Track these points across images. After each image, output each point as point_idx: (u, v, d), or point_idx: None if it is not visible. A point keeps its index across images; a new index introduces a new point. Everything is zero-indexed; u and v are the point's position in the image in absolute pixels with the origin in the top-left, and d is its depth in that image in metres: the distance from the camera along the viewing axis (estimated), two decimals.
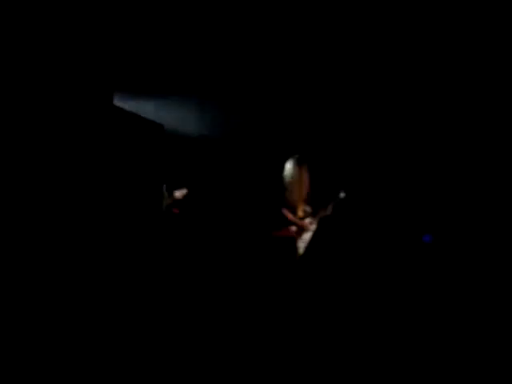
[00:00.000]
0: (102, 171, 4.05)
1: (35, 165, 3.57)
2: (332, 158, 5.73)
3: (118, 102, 4.38)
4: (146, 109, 5.33)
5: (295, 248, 5.29)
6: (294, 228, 5.29)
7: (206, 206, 5.78)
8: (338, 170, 5.65)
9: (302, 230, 5.31)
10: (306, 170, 5.30)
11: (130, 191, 4.29)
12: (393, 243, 5.27)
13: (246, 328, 4.54)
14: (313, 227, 5.29)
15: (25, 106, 3.54)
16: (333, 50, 5.01)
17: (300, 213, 5.36)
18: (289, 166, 5.36)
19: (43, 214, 3.58)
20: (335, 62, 5.15)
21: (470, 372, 3.58)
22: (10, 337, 2.91)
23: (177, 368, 3.59)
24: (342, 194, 5.30)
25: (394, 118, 5.47)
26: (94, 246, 3.86)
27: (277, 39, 4.91)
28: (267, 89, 5.62)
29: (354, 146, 5.70)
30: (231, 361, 3.84)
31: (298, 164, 5.32)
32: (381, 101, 5.41)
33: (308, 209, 5.37)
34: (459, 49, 4.84)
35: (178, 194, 5.49)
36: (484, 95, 5.00)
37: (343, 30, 4.74)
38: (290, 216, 5.30)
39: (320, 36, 4.82)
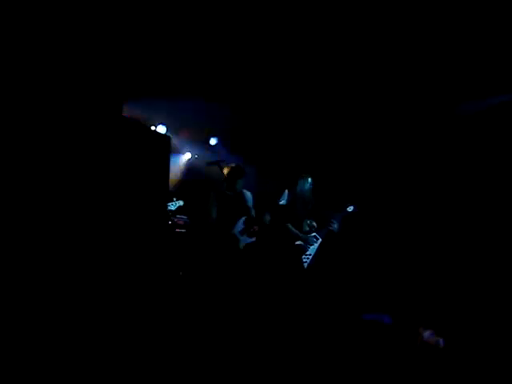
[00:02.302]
0: (110, 181, 4.23)
1: (41, 171, 3.75)
2: (339, 173, 5.78)
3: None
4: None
5: (301, 262, 5.32)
6: (298, 242, 5.34)
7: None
8: (345, 185, 5.68)
9: (306, 244, 5.36)
10: (309, 186, 5.43)
11: (135, 201, 4.45)
12: (398, 256, 5.22)
13: (252, 338, 4.54)
14: (318, 241, 5.33)
15: (33, 113, 3.77)
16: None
17: (306, 227, 5.42)
18: (299, 183, 5.48)
19: (48, 220, 3.72)
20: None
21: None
22: (9, 337, 2.99)
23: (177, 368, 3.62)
24: (351, 208, 5.32)
25: (400, 131, 5.51)
26: (96, 251, 3.99)
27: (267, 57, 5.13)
28: (270, 106, 5.79)
29: (362, 161, 5.74)
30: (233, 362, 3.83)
31: (305, 180, 5.45)
32: (383, 113, 5.47)
33: (314, 223, 5.41)
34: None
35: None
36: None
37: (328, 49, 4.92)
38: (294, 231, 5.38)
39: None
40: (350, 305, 4.96)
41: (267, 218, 5.38)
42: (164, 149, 4.71)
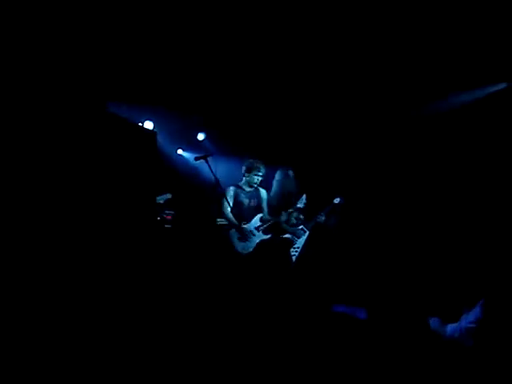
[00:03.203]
0: (95, 176, 4.20)
1: (26, 168, 3.71)
2: (325, 166, 5.83)
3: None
4: None
5: (289, 255, 5.36)
6: (286, 235, 5.40)
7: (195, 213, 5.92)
8: (331, 177, 5.73)
9: (293, 237, 5.41)
10: (294, 179, 5.51)
11: (122, 196, 4.43)
12: (386, 249, 5.28)
13: (242, 333, 4.56)
14: (306, 234, 5.38)
15: (19, 109, 3.75)
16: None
17: (293, 220, 5.46)
18: (278, 177, 5.55)
19: (27, 215, 3.68)
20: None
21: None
22: (9, 337, 2.97)
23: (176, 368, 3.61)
24: (337, 200, 5.38)
25: (387, 125, 5.57)
26: (85, 249, 3.95)
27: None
28: (259, 98, 5.81)
29: (348, 154, 5.79)
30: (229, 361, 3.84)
31: (288, 174, 5.52)
32: (373, 107, 5.53)
33: (301, 216, 5.47)
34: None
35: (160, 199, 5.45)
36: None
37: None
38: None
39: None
40: (335, 298, 4.99)
41: (283, 218, 5.44)
42: (150, 144, 4.71)
